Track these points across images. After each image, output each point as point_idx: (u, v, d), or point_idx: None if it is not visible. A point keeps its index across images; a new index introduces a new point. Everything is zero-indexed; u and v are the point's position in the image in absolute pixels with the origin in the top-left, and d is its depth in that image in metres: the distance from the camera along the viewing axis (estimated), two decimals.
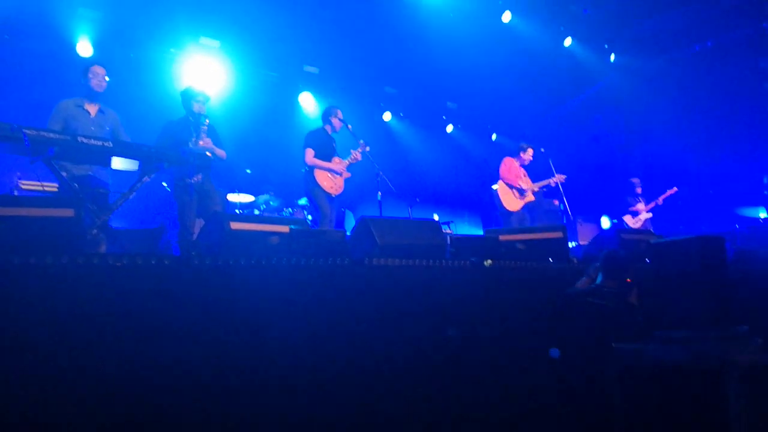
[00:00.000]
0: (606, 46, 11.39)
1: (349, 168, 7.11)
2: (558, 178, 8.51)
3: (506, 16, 10.23)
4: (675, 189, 9.58)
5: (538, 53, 11.05)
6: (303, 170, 7.00)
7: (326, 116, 7.21)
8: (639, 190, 9.59)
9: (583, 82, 12.19)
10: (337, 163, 7.01)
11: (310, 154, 6.88)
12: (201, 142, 5.78)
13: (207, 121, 5.95)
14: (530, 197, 8.45)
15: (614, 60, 11.52)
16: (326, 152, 7.00)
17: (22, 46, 8.08)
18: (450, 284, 4.22)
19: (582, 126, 12.67)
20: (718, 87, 10.85)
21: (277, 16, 8.99)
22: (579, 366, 4.19)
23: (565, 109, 12.75)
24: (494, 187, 8.65)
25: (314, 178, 6.86)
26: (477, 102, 12.42)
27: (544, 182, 8.56)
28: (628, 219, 9.43)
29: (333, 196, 6.95)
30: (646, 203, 9.50)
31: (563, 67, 11.53)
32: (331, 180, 6.93)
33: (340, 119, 7.13)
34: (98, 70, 5.49)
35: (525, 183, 8.47)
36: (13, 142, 3.90)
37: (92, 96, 5.47)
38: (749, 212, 10.51)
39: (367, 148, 7.19)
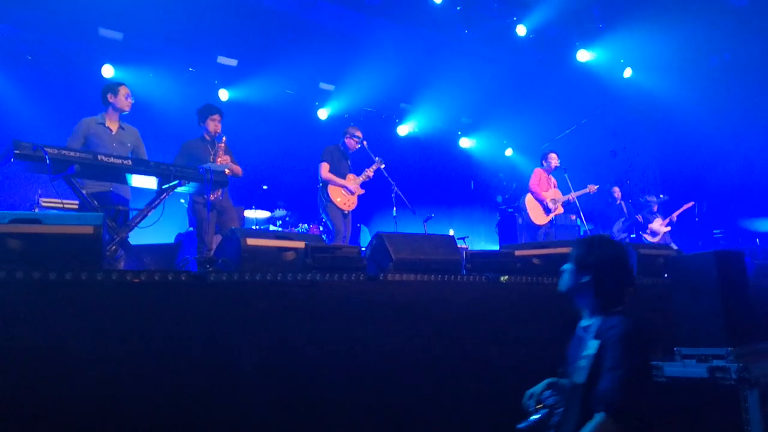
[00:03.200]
0: (621, 61, 11.36)
1: (363, 184, 7.15)
2: (591, 188, 8.55)
3: (521, 30, 10.27)
4: (692, 203, 9.49)
5: (551, 67, 11.06)
6: (318, 185, 7.05)
7: (343, 134, 7.26)
8: (655, 208, 9.55)
9: (599, 97, 12.15)
10: (351, 181, 7.05)
11: (325, 169, 6.92)
12: (219, 160, 5.85)
13: (224, 138, 6.02)
14: (559, 210, 8.44)
15: (630, 75, 11.47)
16: (341, 169, 7.05)
17: (45, 66, 8.27)
18: (466, 300, 4.20)
19: (599, 142, 12.61)
20: (734, 99, 10.75)
21: (290, 35, 9.13)
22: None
23: (580, 124, 12.70)
24: (523, 199, 8.66)
25: (328, 193, 6.90)
26: (491, 117, 12.43)
27: (582, 191, 8.55)
28: (647, 238, 9.39)
29: (346, 212, 6.98)
30: (663, 218, 9.43)
31: (579, 82, 11.51)
32: (344, 196, 6.96)
33: (357, 139, 7.17)
34: (125, 90, 5.57)
35: (553, 194, 8.45)
36: (35, 161, 3.98)
37: (114, 114, 5.54)
38: None
39: (382, 165, 7.23)
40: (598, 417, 2.19)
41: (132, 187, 5.19)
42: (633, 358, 2.26)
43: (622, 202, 9.94)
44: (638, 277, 5.19)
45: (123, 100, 5.53)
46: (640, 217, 9.49)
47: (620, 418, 2.19)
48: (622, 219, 9.56)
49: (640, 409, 2.23)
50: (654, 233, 9.34)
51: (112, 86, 5.59)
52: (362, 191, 7.15)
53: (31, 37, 8.12)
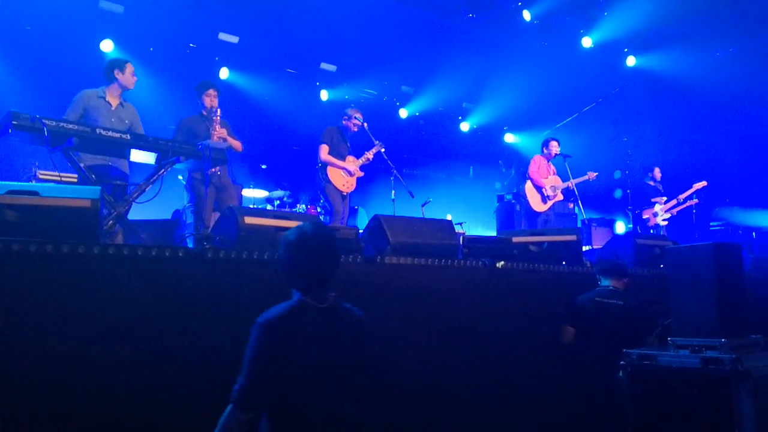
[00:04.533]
0: (625, 50, 11.31)
1: (362, 167, 7.13)
2: (590, 175, 8.52)
3: (526, 15, 10.21)
4: (704, 183, 9.23)
5: (555, 53, 11.01)
6: (317, 166, 7.02)
7: (344, 116, 7.23)
8: (659, 177, 9.27)
9: (600, 85, 12.10)
10: (351, 162, 7.03)
11: (324, 151, 6.90)
12: (215, 134, 5.81)
13: (219, 111, 5.99)
14: (558, 197, 8.43)
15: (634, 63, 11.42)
16: (340, 151, 7.03)
17: (45, 38, 8.18)
18: (462, 284, 4.21)
19: (598, 129, 12.58)
20: (738, 92, 10.72)
21: (293, 15, 9.04)
22: (591, 369, 4.19)
23: (581, 112, 12.66)
24: (523, 186, 8.65)
25: (327, 175, 6.89)
26: (490, 101, 12.39)
27: (582, 178, 8.52)
28: (648, 213, 9.15)
29: (345, 194, 6.97)
30: (667, 200, 9.20)
31: (581, 69, 11.46)
32: (343, 178, 6.95)
33: (357, 121, 7.13)
34: (131, 67, 5.54)
35: (553, 181, 8.44)
36: (33, 132, 3.95)
37: (116, 90, 5.50)
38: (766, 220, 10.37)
39: (382, 149, 7.20)
40: (228, 408, 2.27)
41: (130, 162, 5.17)
42: (254, 349, 2.26)
43: (659, 184, 9.58)
44: (635, 267, 5.22)
45: (130, 77, 5.51)
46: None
47: (246, 407, 2.25)
48: (664, 198, 9.24)
49: (269, 397, 2.26)
50: (655, 213, 9.10)
51: (120, 62, 5.54)
52: (361, 173, 7.13)
53: (31, 8, 8.02)
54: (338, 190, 6.91)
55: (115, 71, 5.45)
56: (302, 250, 2.41)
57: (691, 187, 9.27)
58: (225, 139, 5.82)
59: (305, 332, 2.32)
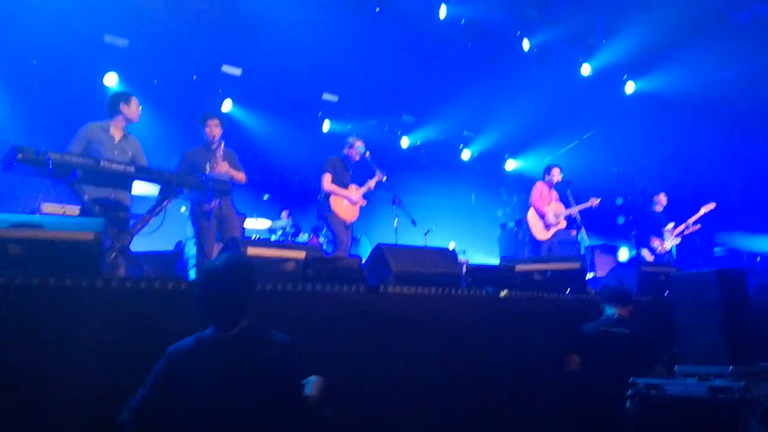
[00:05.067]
0: (624, 76, 11.42)
1: (365, 195, 7.14)
2: (593, 202, 8.50)
3: (525, 44, 10.35)
4: (713, 204, 9.08)
5: (554, 81, 11.11)
6: (319, 196, 7.02)
7: (346, 144, 7.26)
8: (665, 202, 9.18)
9: (600, 111, 12.19)
10: (353, 191, 7.04)
11: (327, 180, 6.89)
12: (217, 167, 5.83)
13: (222, 144, 6.01)
14: (562, 224, 8.40)
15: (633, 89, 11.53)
16: (343, 179, 7.03)
17: (50, 72, 8.29)
18: (466, 313, 4.19)
19: (599, 155, 12.63)
20: (736, 116, 10.79)
21: (295, 46, 9.16)
22: (597, 399, 4.13)
23: (583, 138, 12.74)
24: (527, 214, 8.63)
25: (330, 204, 6.87)
26: (491, 129, 12.48)
27: (584, 205, 8.49)
28: (656, 241, 9.09)
29: (348, 223, 6.96)
30: (675, 226, 9.11)
31: (581, 96, 11.56)
32: (347, 207, 6.94)
33: (359, 149, 7.15)
34: (136, 101, 5.55)
35: (555, 208, 8.42)
36: (37, 165, 3.98)
37: (121, 122, 5.49)
38: None
39: (384, 178, 7.20)
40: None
41: (131, 194, 5.18)
42: (153, 374, 2.42)
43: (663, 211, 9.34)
44: (639, 294, 5.19)
45: (135, 110, 5.50)
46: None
47: (133, 427, 2.36)
48: (671, 224, 9.15)
49: (156, 420, 2.36)
50: (653, 250, 9.09)
51: (125, 95, 5.55)
52: (364, 202, 7.12)
53: (37, 42, 8.14)
54: (342, 219, 6.89)
55: (121, 104, 5.47)
56: (205, 284, 2.51)
57: (698, 210, 9.16)
58: (227, 174, 5.84)
59: (205, 363, 2.38)
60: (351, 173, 7.22)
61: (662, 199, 9.28)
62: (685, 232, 9.10)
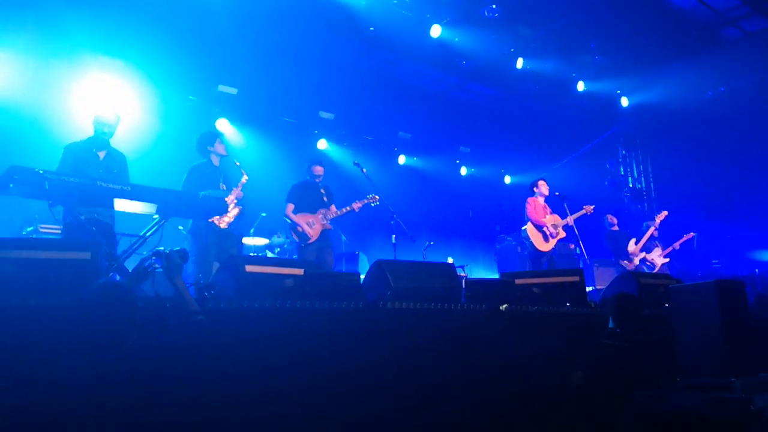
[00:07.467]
0: (618, 92, 11.50)
1: (363, 209, 7.08)
2: (587, 209, 8.53)
3: (519, 62, 10.43)
4: (692, 234, 9.40)
5: (550, 98, 11.18)
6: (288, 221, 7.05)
7: (307, 166, 7.26)
8: (655, 234, 9.44)
9: (595, 126, 12.27)
10: (319, 216, 6.96)
11: (289, 210, 6.98)
12: (232, 200, 5.99)
13: (237, 163, 6.24)
14: (561, 234, 8.41)
15: (627, 104, 11.61)
16: (310, 202, 7.03)
17: None
18: (466, 328, 4.17)
19: (596, 169, 12.69)
20: (733, 130, 10.85)
21: (291, 65, 9.22)
22: (597, 411, 4.10)
23: (578, 153, 12.80)
24: (524, 228, 8.64)
25: (296, 228, 6.93)
26: (488, 144, 12.54)
27: (579, 213, 8.51)
28: (649, 258, 9.26)
29: (311, 242, 6.91)
30: (663, 248, 9.35)
31: (576, 112, 11.64)
32: (308, 229, 6.91)
33: (319, 170, 7.14)
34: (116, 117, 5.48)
35: (552, 220, 8.45)
36: (34, 187, 3.97)
37: (101, 140, 5.40)
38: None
39: (375, 203, 7.17)
40: None
41: (115, 212, 5.08)
42: None
43: (617, 228, 9.84)
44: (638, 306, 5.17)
45: (111, 125, 5.43)
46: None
47: None
48: (633, 240, 9.38)
49: None
50: (651, 266, 9.23)
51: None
52: (329, 227, 7.05)
53: None
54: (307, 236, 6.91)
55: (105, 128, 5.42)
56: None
57: (681, 237, 9.43)
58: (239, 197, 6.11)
59: None
60: (325, 191, 7.19)
61: (662, 214, 9.49)
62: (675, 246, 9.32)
